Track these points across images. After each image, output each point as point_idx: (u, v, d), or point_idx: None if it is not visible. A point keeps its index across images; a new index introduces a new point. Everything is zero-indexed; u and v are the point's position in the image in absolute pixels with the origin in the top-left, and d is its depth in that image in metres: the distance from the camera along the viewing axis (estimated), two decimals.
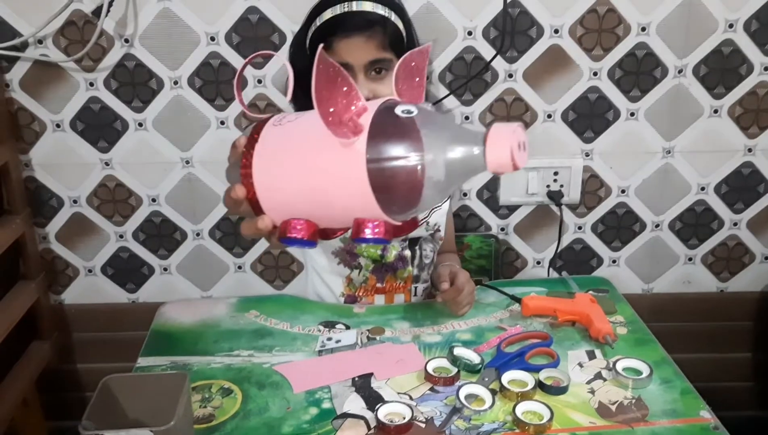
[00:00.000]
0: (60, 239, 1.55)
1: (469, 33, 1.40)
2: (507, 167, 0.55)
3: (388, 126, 0.57)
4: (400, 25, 1.15)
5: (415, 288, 1.29)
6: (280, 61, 1.41)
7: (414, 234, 1.27)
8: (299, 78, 1.20)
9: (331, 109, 0.55)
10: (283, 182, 0.62)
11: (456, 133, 0.56)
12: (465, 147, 0.55)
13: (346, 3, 1.11)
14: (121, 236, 1.55)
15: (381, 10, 1.12)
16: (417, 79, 0.66)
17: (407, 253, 1.27)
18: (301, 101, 1.21)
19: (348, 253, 1.26)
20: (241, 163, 0.63)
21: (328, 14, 1.13)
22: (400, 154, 0.57)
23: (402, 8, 1.18)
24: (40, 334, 1.57)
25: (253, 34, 1.39)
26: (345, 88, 0.57)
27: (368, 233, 0.59)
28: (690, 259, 1.63)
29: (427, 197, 0.58)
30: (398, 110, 0.58)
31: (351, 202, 0.58)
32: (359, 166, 0.56)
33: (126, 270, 1.59)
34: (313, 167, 0.59)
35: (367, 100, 1.09)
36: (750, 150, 1.52)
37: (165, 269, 1.59)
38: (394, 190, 0.58)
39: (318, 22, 1.14)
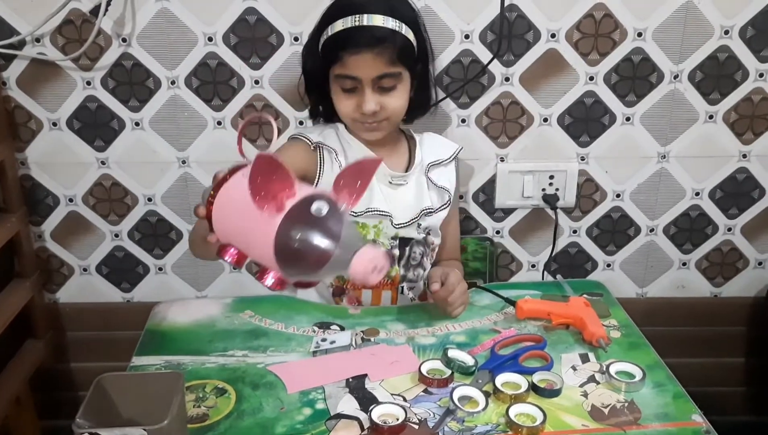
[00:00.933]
0: (55, 238, 1.55)
1: (467, 36, 1.41)
2: (361, 282, 0.74)
3: (300, 215, 0.73)
4: (411, 36, 1.16)
5: (402, 287, 1.30)
6: (277, 62, 1.41)
7: (406, 234, 1.28)
8: (310, 74, 1.21)
9: (261, 193, 0.71)
10: (227, 219, 0.81)
11: (344, 240, 0.74)
12: (343, 252, 0.73)
13: (357, 16, 1.12)
14: (116, 235, 1.55)
15: (392, 22, 1.13)
16: (360, 183, 0.80)
17: (396, 252, 1.28)
18: (314, 94, 1.26)
19: None
20: (210, 192, 0.82)
21: (338, 26, 1.14)
22: (300, 239, 0.74)
23: (414, 18, 1.19)
24: (34, 332, 1.57)
25: (251, 35, 1.39)
26: (283, 178, 0.72)
27: (267, 281, 0.79)
28: (684, 264, 1.63)
29: (316, 273, 0.77)
30: (313, 207, 0.73)
31: (262, 254, 0.75)
32: (270, 235, 0.72)
33: (121, 269, 1.59)
34: (245, 219, 0.76)
35: (374, 112, 1.15)
36: (744, 156, 1.53)
37: (160, 269, 1.59)
38: (291, 261, 0.74)
39: (329, 31, 1.15)
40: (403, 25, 1.15)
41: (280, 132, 1.00)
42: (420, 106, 1.29)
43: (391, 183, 1.26)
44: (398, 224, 1.25)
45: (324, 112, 1.28)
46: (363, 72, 1.13)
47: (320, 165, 1.24)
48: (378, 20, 1.12)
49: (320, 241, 0.74)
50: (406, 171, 1.28)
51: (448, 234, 1.38)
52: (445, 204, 1.30)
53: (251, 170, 0.70)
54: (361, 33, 1.12)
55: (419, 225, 1.29)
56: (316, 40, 1.19)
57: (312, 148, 1.24)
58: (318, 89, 1.24)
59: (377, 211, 1.23)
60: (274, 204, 0.72)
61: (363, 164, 0.82)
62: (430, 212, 1.28)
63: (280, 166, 0.71)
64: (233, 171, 0.82)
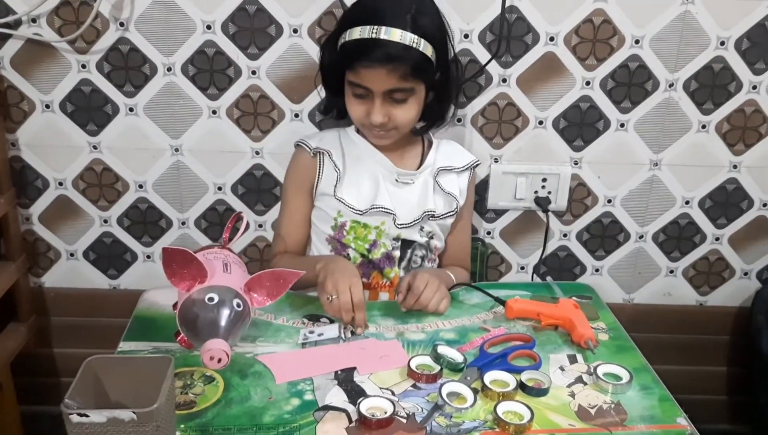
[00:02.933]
0: (43, 221, 1.53)
1: (466, 36, 1.41)
2: (205, 362, 0.89)
3: (196, 299, 0.92)
4: (429, 51, 1.14)
5: None
6: (275, 53, 1.40)
7: (408, 236, 1.28)
8: (326, 70, 1.25)
9: (175, 277, 0.93)
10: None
11: (212, 328, 0.90)
12: (203, 340, 0.89)
13: (375, 27, 1.11)
14: (105, 221, 1.54)
15: (410, 38, 1.11)
16: (270, 293, 0.98)
17: (396, 253, 1.28)
18: (329, 90, 1.27)
19: (338, 242, 1.28)
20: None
21: (356, 33, 1.13)
22: (187, 316, 0.92)
23: (437, 30, 1.17)
24: (18, 316, 1.55)
25: (250, 24, 1.38)
26: (196, 266, 0.92)
27: (178, 338, 1.00)
28: (671, 272, 1.65)
29: (196, 343, 0.94)
30: (207, 296, 0.91)
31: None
32: (180, 304, 0.94)
33: (108, 256, 1.57)
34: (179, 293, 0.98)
35: (382, 124, 1.17)
36: (735, 166, 1.54)
37: (148, 257, 1.58)
38: (184, 330, 0.94)
39: (347, 36, 1.14)
40: (422, 40, 1.13)
41: (248, 225, 1.10)
42: (436, 118, 1.29)
43: (397, 181, 1.27)
44: (401, 224, 1.25)
45: (337, 109, 1.28)
46: (374, 85, 1.14)
47: (319, 169, 1.27)
48: (396, 35, 1.11)
49: (198, 322, 0.91)
50: (417, 170, 1.28)
51: (456, 242, 1.38)
52: (452, 211, 1.29)
53: (164, 258, 0.92)
54: (375, 47, 1.11)
55: (422, 228, 1.29)
56: (336, 37, 1.18)
57: (312, 154, 1.27)
58: (333, 85, 1.24)
59: (382, 208, 1.24)
60: (187, 285, 0.93)
61: (283, 274, 0.98)
62: (434, 217, 1.28)
63: (193, 257, 0.91)
64: (200, 250, 1.03)
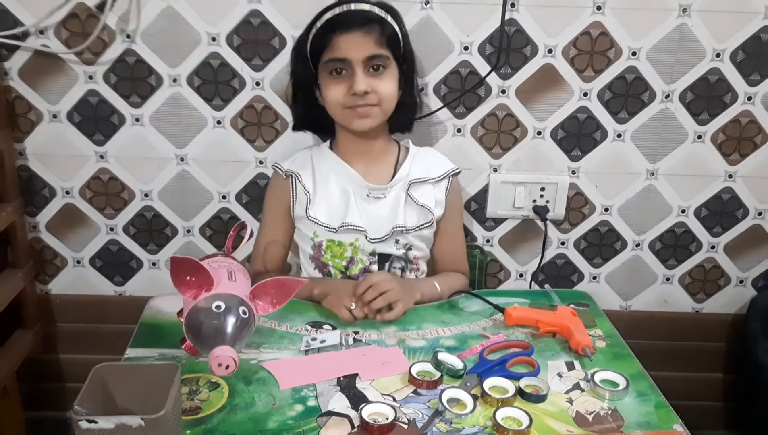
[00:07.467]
0: (50, 229, 1.56)
1: (465, 48, 1.44)
2: (213, 369, 0.90)
3: (203, 307, 0.93)
4: (396, 27, 1.22)
5: None
6: (279, 65, 1.43)
7: (385, 250, 1.29)
8: (299, 84, 1.26)
9: (182, 285, 0.94)
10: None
11: (219, 335, 0.91)
12: (210, 347, 0.90)
13: (345, 5, 1.19)
14: (111, 229, 1.56)
15: (378, 11, 1.20)
16: (274, 301, 1.00)
17: (374, 268, 1.29)
18: (300, 101, 1.28)
19: (318, 261, 1.30)
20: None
21: (328, 15, 1.20)
22: (193, 324, 0.94)
23: (398, 14, 1.25)
24: (25, 322, 1.57)
25: (254, 37, 1.41)
26: (203, 275, 0.94)
27: (184, 344, 1.02)
28: (668, 279, 1.67)
29: (202, 350, 0.95)
30: (214, 304, 0.93)
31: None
32: (185, 313, 0.95)
33: (114, 263, 1.60)
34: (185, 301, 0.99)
35: (366, 93, 1.18)
36: (730, 176, 1.57)
37: (153, 264, 1.60)
38: (191, 337, 0.95)
39: (318, 24, 1.20)
40: (389, 15, 1.21)
41: (252, 234, 1.13)
42: (405, 113, 1.30)
43: (369, 196, 1.28)
44: (373, 239, 1.27)
45: (309, 122, 1.31)
46: (353, 52, 1.17)
47: (293, 192, 1.29)
48: (365, 6, 1.20)
49: (205, 329, 0.93)
50: (389, 183, 1.29)
51: (445, 250, 1.37)
52: (427, 223, 1.29)
53: (172, 267, 0.93)
54: (350, 15, 1.18)
55: (397, 241, 1.30)
56: (303, 46, 1.24)
57: (284, 176, 1.30)
58: (305, 95, 1.27)
59: (351, 226, 1.25)
60: (193, 293, 0.94)
61: (287, 282, 1.00)
62: (406, 230, 1.27)
63: (202, 268, 0.94)
64: (204, 258, 1.03)
